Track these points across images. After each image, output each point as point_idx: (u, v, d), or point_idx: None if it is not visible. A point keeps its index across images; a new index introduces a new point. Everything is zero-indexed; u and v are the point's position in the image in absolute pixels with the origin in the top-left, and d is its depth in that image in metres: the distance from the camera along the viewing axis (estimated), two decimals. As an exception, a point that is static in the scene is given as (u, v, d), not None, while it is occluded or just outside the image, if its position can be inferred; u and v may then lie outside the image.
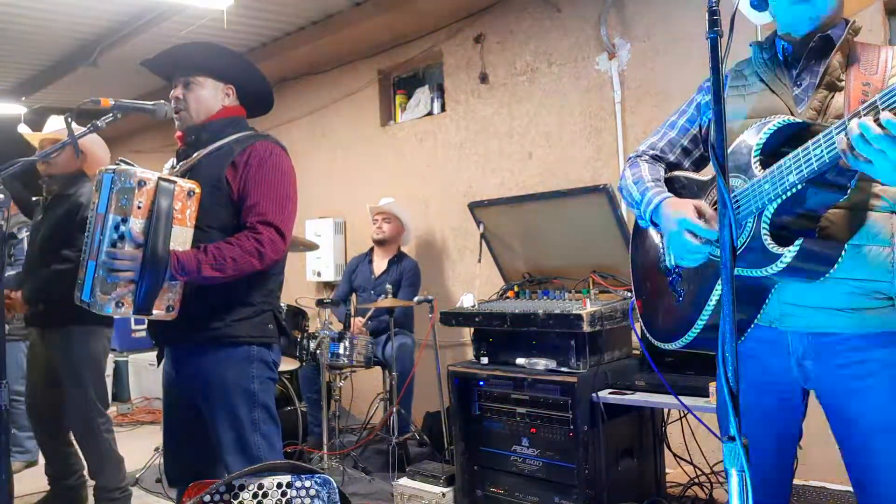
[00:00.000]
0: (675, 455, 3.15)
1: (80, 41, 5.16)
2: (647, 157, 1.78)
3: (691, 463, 3.13)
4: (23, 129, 3.33)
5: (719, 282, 1.46)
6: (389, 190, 4.97)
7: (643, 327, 1.78)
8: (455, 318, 3.22)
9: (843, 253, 1.39)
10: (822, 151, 1.26)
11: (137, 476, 3.86)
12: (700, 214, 1.50)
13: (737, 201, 1.45)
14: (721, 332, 1.21)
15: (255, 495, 1.71)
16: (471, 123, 4.73)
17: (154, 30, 4.74)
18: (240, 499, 1.70)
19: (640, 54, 3.86)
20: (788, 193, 1.34)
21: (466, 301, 3.26)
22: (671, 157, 1.77)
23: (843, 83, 1.46)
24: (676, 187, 1.70)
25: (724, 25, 1.21)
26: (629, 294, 3.06)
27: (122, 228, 1.94)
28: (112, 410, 5.90)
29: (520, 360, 3.01)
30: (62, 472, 3.27)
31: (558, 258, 3.36)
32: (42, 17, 4.64)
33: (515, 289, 3.42)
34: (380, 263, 4.61)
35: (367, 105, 5.42)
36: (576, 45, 4.15)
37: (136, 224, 1.94)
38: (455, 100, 4.83)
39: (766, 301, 1.50)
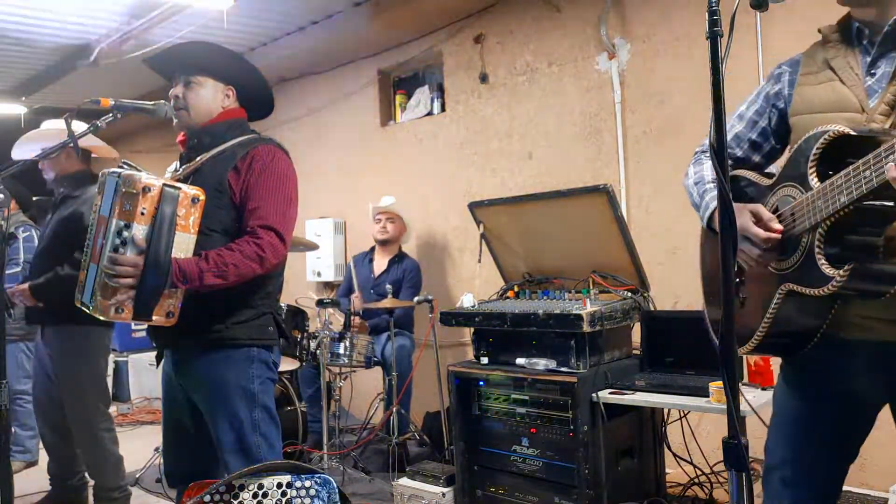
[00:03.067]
0: (675, 455, 3.15)
1: (80, 41, 5.16)
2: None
3: (691, 463, 3.13)
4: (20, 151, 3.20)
5: (779, 289, 1.41)
6: (389, 190, 4.97)
7: (711, 331, 1.69)
8: (455, 318, 3.22)
9: None
10: (870, 174, 1.18)
11: (137, 476, 3.86)
12: (758, 220, 1.44)
13: (793, 215, 1.39)
14: (721, 332, 1.21)
15: (255, 495, 1.71)
16: (471, 123, 4.73)
17: (154, 30, 4.73)
18: (240, 499, 1.70)
19: (640, 54, 3.86)
20: (840, 213, 1.26)
21: (466, 301, 3.26)
22: (739, 153, 1.66)
23: None
24: (741, 185, 1.61)
25: (724, 25, 1.21)
26: (629, 294, 3.07)
27: (125, 234, 1.92)
28: (112, 410, 5.88)
29: (520, 360, 3.01)
30: (66, 471, 3.27)
31: (558, 258, 3.36)
32: (42, 18, 4.63)
33: (515, 289, 3.42)
34: (380, 263, 4.61)
35: (367, 105, 5.42)
36: (576, 45, 4.15)
37: (139, 230, 1.92)
38: (455, 100, 4.83)
39: (834, 309, 1.41)
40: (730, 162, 1.66)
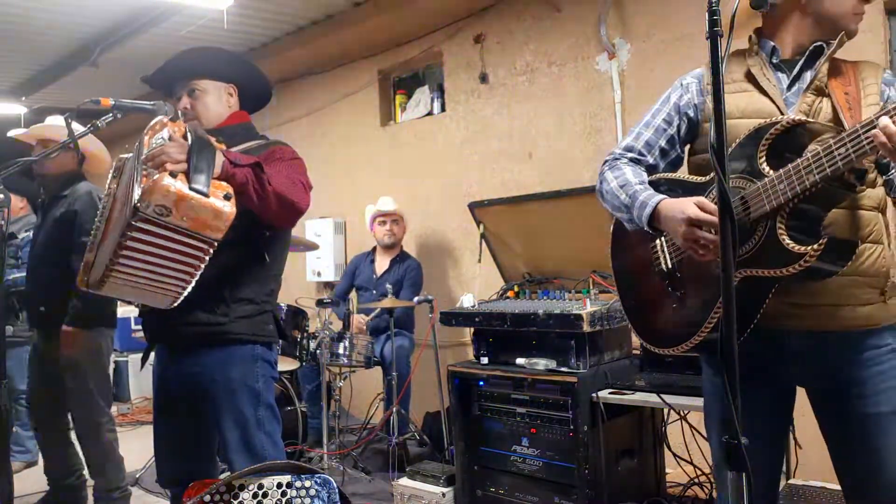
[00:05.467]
0: (675, 455, 3.14)
1: (80, 41, 5.16)
2: (626, 160, 1.74)
3: (691, 463, 3.13)
4: (15, 132, 3.29)
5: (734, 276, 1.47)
6: (389, 190, 4.97)
7: (637, 334, 1.77)
8: (455, 318, 3.22)
9: (855, 250, 1.41)
10: (847, 150, 1.28)
11: (137, 476, 3.86)
12: (704, 209, 1.48)
13: (745, 202, 1.44)
14: (721, 332, 1.21)
15: (255, 495, 1.71)
16: (471, 123, 4.73)
17: (154, 30, 4.74)
18: (240, 499, 1.70)
19: (640, 54, 3.86)
20: (808, 192, 1.34)
21: (466, 301, 3.26)
22: (650, 160, 1.73)
23: (828, 90, 1.50)
24: (662, 190, 1.65)
25: (724, 25, 1.22)
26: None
27: (164, 138, 1.79)
28: (112, 410, 5.89)
29: (520, 360, 3.01)
30: (62, 471, 3.27)
31: (558, 258, 3.35)
32: (42, 17, 4.64)
33: (515, 289, 3.42)
34: (382, 263, 4.61)
35: (367, 105, 5.42)
36: (576, 45, 4.14)
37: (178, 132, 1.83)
38: (455, 100, 4.83)
39: (765, 300, 1.49)
40: (642, 168, 1.72)
